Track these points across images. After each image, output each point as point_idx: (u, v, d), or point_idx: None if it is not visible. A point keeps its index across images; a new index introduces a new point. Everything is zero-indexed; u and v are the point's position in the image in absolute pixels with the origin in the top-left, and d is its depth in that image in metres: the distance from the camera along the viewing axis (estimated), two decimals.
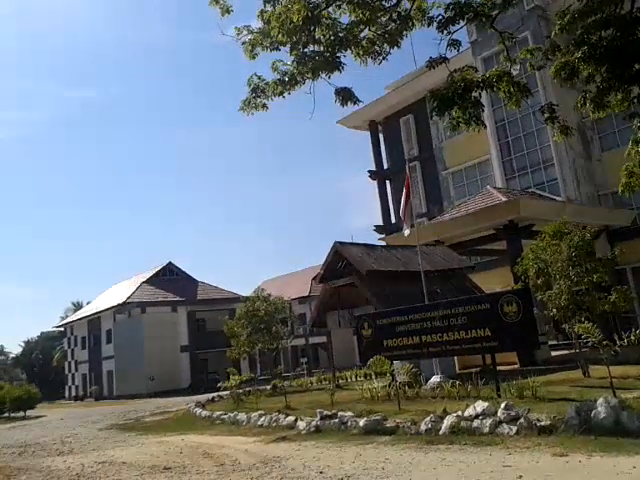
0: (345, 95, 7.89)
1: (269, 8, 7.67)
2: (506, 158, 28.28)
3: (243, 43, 7.91)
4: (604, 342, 8.70)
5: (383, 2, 7.84)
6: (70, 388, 53.20)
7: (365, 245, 19.45)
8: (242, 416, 12.92)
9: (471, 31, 27.31)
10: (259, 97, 8.17)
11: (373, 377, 15.28)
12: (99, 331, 47.84)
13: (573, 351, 13.66)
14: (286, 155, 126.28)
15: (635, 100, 8.22)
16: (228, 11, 7.74)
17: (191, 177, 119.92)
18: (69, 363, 54.13)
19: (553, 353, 19.53)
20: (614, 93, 8.15)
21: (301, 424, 10.48)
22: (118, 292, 47.53)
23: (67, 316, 60.16)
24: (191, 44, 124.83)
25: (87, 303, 59.76)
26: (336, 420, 9.90)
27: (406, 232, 17.00)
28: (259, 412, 12.50)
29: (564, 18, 8.36)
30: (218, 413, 14.38)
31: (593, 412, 7.05)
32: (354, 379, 21.46)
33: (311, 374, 30.28)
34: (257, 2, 7.73)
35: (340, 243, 18.37)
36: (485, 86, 8.14)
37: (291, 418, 11.12)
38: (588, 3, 8.15)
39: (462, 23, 7.89)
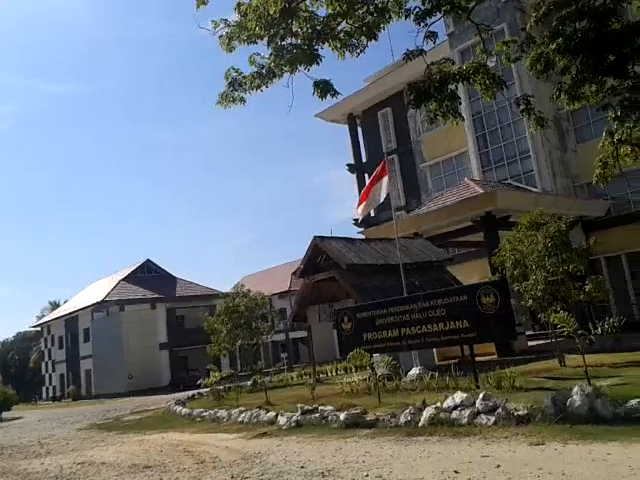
0: (324, 87, 7.79)
1: (246, 0, 7.55)
2: (483, 150, 28.53)
3: (220, 36, 7.78)
4: (579, 331, 8.81)
5: None
6: (47, 389, 52.43)
7: (344, 239, 19.44)
8: (222, 413, 12.85)
9: (448, 23, 27.42)
10: (237, 90, 8.06)
11: (353, 370, 15.32)
12: (77, 330, 47.18)
13: (549, 341, 13.84)
14: (264, 149, 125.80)
15: (609, 91, 8.31)
16: (204, 2, 7.58)
17: (168, 173, 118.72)
18: (46, 363, 53.31)
19: (530, 343, 19.83)
20: (588, 84, 8.23)
21: (282, 419, 10.45)
22: (96, 290, 46.91)
23: (44, 315, 59.22)
24: (166, 38, 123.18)
25: (65, 302, 58.92)
26: (317, 415, 9.90)
27: (360, 211, 17.88)
28: (240, 408, 12.44)
29: (539, 10, 8.42)
30: (198, 410, 14.28)
31: (569, 401, 7.15)
32: (334, 373, 21.51)
33: (292, 369, 30.29)
34: None
35: (320, 237, 18.33)
36: (462, 78, 8.17)
37: (272, 414, 11.09)
38: None
39: (439, 15, 7.87)
